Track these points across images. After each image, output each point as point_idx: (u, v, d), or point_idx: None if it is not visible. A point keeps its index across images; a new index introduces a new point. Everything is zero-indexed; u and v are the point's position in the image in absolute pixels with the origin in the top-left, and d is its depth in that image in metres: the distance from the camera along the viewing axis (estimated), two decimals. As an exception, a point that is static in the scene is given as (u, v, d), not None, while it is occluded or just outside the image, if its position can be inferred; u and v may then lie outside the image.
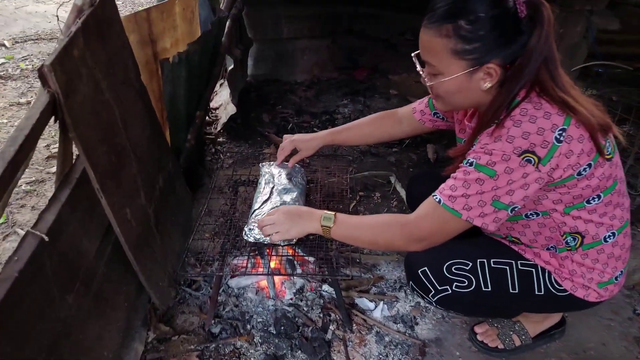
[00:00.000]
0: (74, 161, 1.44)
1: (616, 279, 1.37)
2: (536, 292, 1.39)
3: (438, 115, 1.63)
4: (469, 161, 1.17)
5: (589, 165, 1.16)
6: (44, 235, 1.18)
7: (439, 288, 1.41)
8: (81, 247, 1.39)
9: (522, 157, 1.10)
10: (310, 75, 3.85)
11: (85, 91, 1.34)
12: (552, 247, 1.36)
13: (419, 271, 1.42)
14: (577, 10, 2.49)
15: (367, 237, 1.36)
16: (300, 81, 3.79)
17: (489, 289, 1.40)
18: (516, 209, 1.18)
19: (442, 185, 1.22)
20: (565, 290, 1.37)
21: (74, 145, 1.36)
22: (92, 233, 1.46)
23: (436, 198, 1.21)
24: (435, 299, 1.43)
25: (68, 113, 1.22)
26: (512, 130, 1.11)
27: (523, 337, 1.67)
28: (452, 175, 1.22)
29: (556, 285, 1.37)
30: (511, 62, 1.14)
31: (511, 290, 1.40)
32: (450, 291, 1.40)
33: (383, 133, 1.77)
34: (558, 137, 1.10)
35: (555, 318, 1.70)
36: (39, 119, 1.11)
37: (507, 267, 1.40)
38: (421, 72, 1.25)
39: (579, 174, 1.16)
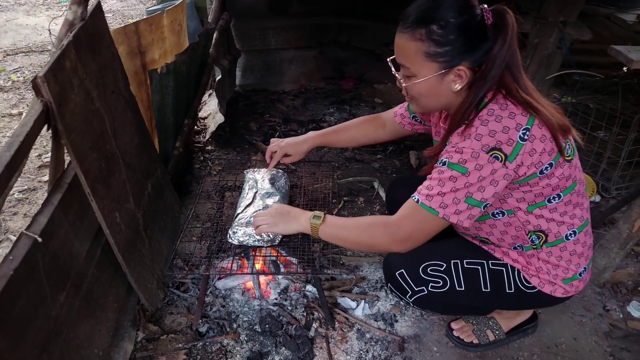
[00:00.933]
0: (65, 167, 1.51)
1: (580, 275, 1.45)
2: (507, 290, 1.47)
3: (416, 119, 1.72)
4: (442, 161, 1.25)
5: (550, 164, 1.24)
6: (37, 237, 1.25)
7: (416, 289, 1.49)
8: (72, 249, 1.45)
9: (490, 154, 1.17)
10: (298, 85, 3.94)
11: (77, 100, 1.41)
12: (519, 245, 1.44)
13: (396, 273, 1.49)
14: (551, 22, 2.60)
15: (352, 238, 1.41)
16: (288, 91, 3.88)
17: (463, 289, 1.48)
18: (487, 206, 1.25)
19: (420, 186, 1.29)
20: (534, 287, 1.45)
21: (65, 152, 1.43)
22: (83, 235, 1.53)
23: (414, 198, 1.28)
24: (412, 299, 1.51)
25: (60, 121, 1.29)
26: (480, 129, 1.19)
27: (497, 332, 1.74)
28: (428, 176, 1.29)
29: (525, 283, 1.45)
30: (479, 66, 1.23)
31: (483, 289, 1.48)
32: (426, 291, 1.48)
33: (368, 136, 1.84)
34: (522, 135, 1.18)
35: (526, 314, 1.78)
36: (33, 126, 1.18)
37: (479, 267, 1.48)
38: (396, 75, 1.34)
39: (541, 172, 1.24)
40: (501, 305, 1.64)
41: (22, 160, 1.15)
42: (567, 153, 1.28)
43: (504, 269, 1.47)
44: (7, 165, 1.06)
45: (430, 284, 1.47)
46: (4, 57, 4.57)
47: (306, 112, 3.54)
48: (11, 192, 2.57)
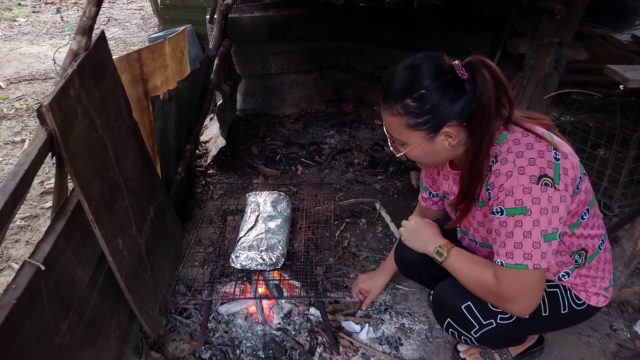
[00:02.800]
0: (69, 194, 1.52)
1: (612, 280, 1.45)
2: (562, 312, 1.41)
3: (432, 194, 1.65)
4: (497, 210, 1.21)
5: (580, 178, 1.25)
6: (40, 265, 1.25)
7: (484, 322, 1.38)
8: (75, 276, 1.45)
9: (540, 183, 1.15)
10: (298, 108, 3.98)
11: (81, 128, 1.43)
12: (564, 273, 1.40)
13: (462, 306, 1.39)
14: (547, 43, 2.64)
15: (466, 285, 1.36)
16: (289, 114, 3.92)
17: (527, 317, 1.36)
18: (561, 235, 1.20)
19: (494, 247, 1.25)
20: (583, 303, 1.41)
21: (69, 179, 1.44)
22: (86, 262, 1.53)
23: (498, 262, 1.23)
24: (477, 334, 1.40)
25: (64, 149, 1.31)
26: (518, 161, 1.18)
27: (504, 356, 1.72)
28: (494, 232, 1.24)
29: (576, 300, 1.41)
30: (467, 118, 1.22)
31: (543, 314, 1.41)
32: (494, 324, 1.38)
33: None
34: (555, 155, 1.18)
35: (534, 338, 1.76)
36: (37, 154, 1.19)
37: None
38: (392, 143, 1.35)
39: (577, 187, 1.23)
40: (550, 328, 1.58)
41: (27, 188, 1.16)
42: None
43: (557, 289, 1.41)
44: (12, 194, 1.07)
45: (500, 315, 1.37)
46: (7, 85, 4.63)
47: (307, 135, 3.57)
48: (13, 219, 2.59)
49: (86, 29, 1.51)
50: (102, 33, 1.67)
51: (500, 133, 1.24)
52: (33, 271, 1.23)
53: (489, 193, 1.24)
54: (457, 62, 1.20)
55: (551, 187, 1.15)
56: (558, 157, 1.18)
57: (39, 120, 1.26)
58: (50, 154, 1.30)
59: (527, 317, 1.36)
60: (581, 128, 2.76)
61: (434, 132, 1.22)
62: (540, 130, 1.25)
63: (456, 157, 1.33)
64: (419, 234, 1.49)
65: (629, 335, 1.89)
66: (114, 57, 1.76)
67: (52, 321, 1.30)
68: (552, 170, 1.16)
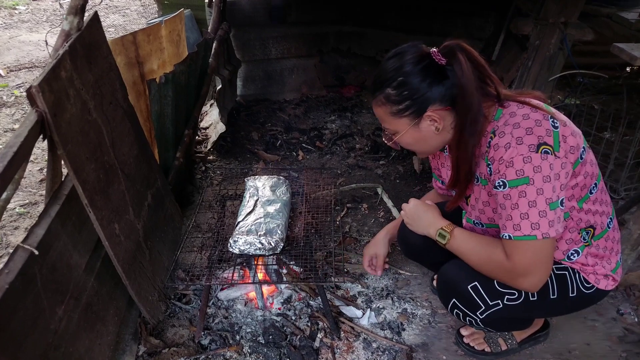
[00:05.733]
0: (63, 179, 1.49)
1: (620, 260, 1.42)
2: (570, 294, 1.38)
3: (444, 182, 1.63)
4: (499, 183, 1.19)
5: (584, 148, 1.24)
6: (33, 249, 1.22)
7: (491, 303, 1.36)
8: (71, 261, 1.42)
9: (539, 151, 1.14)
10: (299, 93, 3.93)
11: (73, 111, 1.40)
12: (574, 251, 1.37)
13: (469, 286, 1.37)
14: (552, 23, 2.58)
15: (474, 265, 1.35)
16: (289, 99, 3.87)
17: (535, 298, 1.36)
18: (564, 202, 1.20)
19: (500, 222, 1.24)
20: (592, 287, 1.38)
21: (63, 164, 1.41)
22: (82, 248, 1.51)
23: (505, 236, 1.21)
24: (484, 315, 1.38)
25: (56, 132, 1.28)
26: (516, 132, 1.17)
27: (509, 340, 1.70)
28: (499, 207, 1.23)
29: (585, 284, 1.38)
30: (451, 101, 1.24)
31: (551, 297, 1.38)
32: (501, 305, 1.36)
33: None
34: (553, 123, 1.18)
35: (540, 323, 1.73)
36: (27, 136, 1.16)
37: None
38: (383, 134, 1.41)
39: (581, 157, 1.22)
40: (557, 312, 1.56)
41: (16, 170, 1.13)
42: None
43: (566, 272, 1.39)
44: (0, 176, 1.04)
45: (506, 296, 1.35)
46: (7, 73, 4.60)
47: (308, 121, 3.53)
48: (12, 206, 2.56)
49: (78, 9, 1.47)
50: (96, 13, 1.63)
51: (496, 109, 1.26)
52: (26, 256, 1.21)
53: (490, 168, 1.23)
54: (434, 49, 1.24)
55: (551, 154, 1.15)
56: (556, 124, 1.19)
57: (29, 101, 1.22)
58: (41, 137, 1.27)
59: (535, 298, 1.36)
60: (586, 111, 2.71)
61: (418, 117, 1.27)
62: (535, 102, 1.25)
63: (448, 141, 1.33)
64: (419, 217, 1.48)
65: (635, 319, 1.86)
66: (108, 39, 1.72)
67: (47, 306, 1.28)
68: (551, 138, 1.16)
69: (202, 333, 1.71)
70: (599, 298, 1.45)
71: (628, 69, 3.93)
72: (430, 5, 3.57)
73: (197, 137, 3.03)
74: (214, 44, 2.78)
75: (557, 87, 3.08)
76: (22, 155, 1.15)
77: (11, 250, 2.22)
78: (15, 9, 6.88)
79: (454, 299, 1.42)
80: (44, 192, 2.69)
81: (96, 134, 1.54)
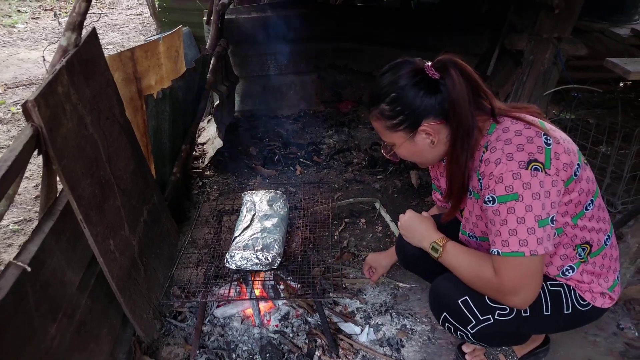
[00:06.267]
0: (58, 194, 1.48)
1: (617, 278, 1.40)
2: (564, 312, 1.36)
3: (442, 193, 1.63)
4: (489, 198, 1.19)
5: (579, 165, 1.23)
6: (26, 266, 1.21)
7: (481, 318, 1.33)
8: (64, 278, 1.40)
9: (529, 168, 1.14)
10: (297, 109, 3.95)
11: (69, 126, 1.39)
12: (569, 267, 1.35)
13: (459, 301, 1.35)
14: (545, 38, 2.61)
15: (465, 280, 1.34)
16: (287, 115, 3.88)
17: (528, 314, 1.34)
18: (554, 220, 1.19)
19: (490, 237, 1.23)
20: (588, 305, 1.36)
21: (58, 180, 1.40)
22: (76, 264, 1.48)
23: (494, 252, 1.21)
24: (474, 330, 1.36)
25: (52, 146, 1.27)
26: (507, 148, 1.17)
27: (510, 357, 1.67)
28: (489, 222, 1.23)
29: (580, 301, 1.36)
30: (445, 115, 1.25)
31: (545, 313, 1.36)
32: (492, 320, 1.33)
33: None
34: (546, 140, 1.18)
35: (540, 339, 1.71)
36: (22, 151, 1.15)
37: (540, 290, 1.34)
38: (382, 146, 1.43)
39: (575, 174, 1.22)
40: (552, 329, 1.54)
41: (10, 185, 1.12)
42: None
43: (561, 288, 1.37)
44: (-7, 191, 1.03)
45: (498, 311, 1.33)
46: (5, 90, 4.61)
47: (305, 136, 3.54)
48: (6, 223, 2.54)
49: (76, 25, 1.48)
50: (94, 29, 1.64)
51: (490, 124, 1.26)
52: (18, 273, 1.19)
53: (481, 183, 1.23)
54: (428, 63, 1.25)
55: (541, 171, 1.14)
56: (549, 142, 1.18)
57: (24, 116, 1.22)
58: (36, 152, 1.26)
59: (528, 314, 1.34)
60: (582, 125, 2.72)
61: (412, 131, 1.28)
62: (530, 118, 1.25)
63: (445, 154, 1.34)
64: (413, 229, 1.48)
65: (636, 334, 1.84)
66: (106, 55, 1.73)
67: (39, 325, 1.25)
68: (542, 155, 1.16)
69: (198, 352, 1.68)
70: (596, 316, 1.42)
71: (622, 84, 3.97)
72: (425, 22, 3.61)
73: (194, 152, 3.03)
74: (212, 60, 2.80)
75: (552, 101, 3.10)
76: (16, 169, 1.14)
77: (2, 267, 2.20)
78: (14, 27, 6.94)
79: (444, 313, 1.41)
80: (38, 209, 2.67)
81: (92, 149, 1.53)
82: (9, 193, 1.31)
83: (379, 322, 1.85)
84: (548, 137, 1.19)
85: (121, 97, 1.80)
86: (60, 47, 1.49)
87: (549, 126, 1.26)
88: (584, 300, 1.36)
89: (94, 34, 1.64)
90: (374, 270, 1.83)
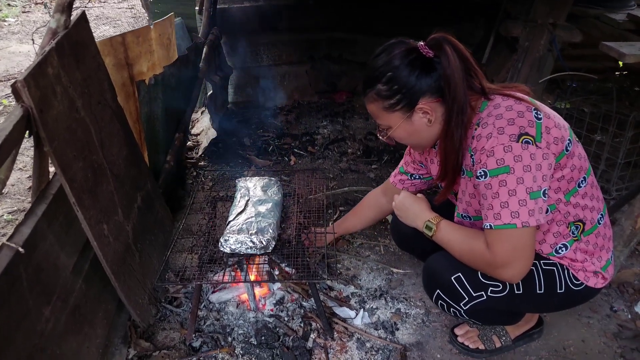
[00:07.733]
0: (50, 178, 1.47)
1: (610, 258, 1.41)
2: (557, 290, 1.37)
3: (414, 177, 1.70)
4: (481, 173, 1.20)
5: (570, 140, 1.24)
6: (19, 247, 1.19)
7: (474, 294, 1.35)
8: (58, 262, 1.39)
9: (520, 141, 1.15)
10: (291, 100, 3.93)
11: (60, 108, 1.38)
12: (562, 245, 1.36)
13: (452, 277, 1.36)
14: (540, 25, 2.61)
15: (457, 256, 1.36)
16: (281, 106, 3.87)
17: (521, 291, 1.35)
18: (547, 193, 1.19)
19: (482, 213, 1.24)
20: (581, 284, 1.37)
21: (49, 163, 1.39)
22: (70, 248, 1.48)
23: (486, 226, 1.22)
24: (467, 307, 1.38)
25: (43, 128, 1.26)
26: (498, 122, 1.19)
27: (503, 338, 1.68)
28: (481, 197, 1.23)
29: (574, 281, 1.37)
30: (441, 93, 1.26)
31: (537, 291, 1.37)
32: (485, 297, 1.35)
33: (381, 212, 1.90)
34: (536, 115, 1.19)
35: (534, 320, 1.72)
36: (12, 131, 1.14)
37: (533, 268, 1.37)
38: (378, 131, 1.43)
39: (567, 149, 1.22)
40: (545, 308, 1.57)
41: (1, 164, 1.10)
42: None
43: (554, 268, 1.38)
44: (-17, 170, 1.02)
45: (490, 288, 1.34)
46: (-4, 83, 4.57)
47: (300, 126, 3.52)
48: (0, 213, 2.52)
49: (65, 6, 1.46)
50: (83, 12, 1.62)
51: (481, 102, 1.27)
52: (11, 254, 1.18)
53: (473, 158, 1.24)
54: (421, 42, 1.26)
55: (532, 144, 1.16)
56: (540, 116, 1.20)
57: (14, 96, 1.21)
58: (27, 133, 1.25)
59: (521, 291, 1.35)
60: (577, 113, 2.72)
61: (410, 110, 1.28)
62: (520, 94, 1.26)
63: (438, 136, 1.35)
64: (407, 209, 1.50)
65: (629, 316, 1.85)
66: (96, 40, 1.71)
67: (33, 307, 1.25)
68: (533, 129, 1.17)
69: (194, 335, 1.68)
70: (590, 296, 1.44)
71: (617, 73, 3.97)
72: (420, 12, 3.60)
73: (188, 143, 3.01)
74: (205, 49, 2.78)
75: (547, 90, 3.10)
76: (6, 150, 1.13)
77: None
78: (4, 20, 6.87)
79: (438, 290, 1.42)
80: (31, 192, 2.65)
81: (84, 132, 1.52)
82: (0, 177, 1.30)
83: (374, 307, 1.86)
84: (539, 112, 1.20)
85: (112, 82, 1.79)
86: (50, 30, 1.47)
87: (538, 102, 1.27)
88: (577, 280, 1.38)
89: (83, 17, 1.63)
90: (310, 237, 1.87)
